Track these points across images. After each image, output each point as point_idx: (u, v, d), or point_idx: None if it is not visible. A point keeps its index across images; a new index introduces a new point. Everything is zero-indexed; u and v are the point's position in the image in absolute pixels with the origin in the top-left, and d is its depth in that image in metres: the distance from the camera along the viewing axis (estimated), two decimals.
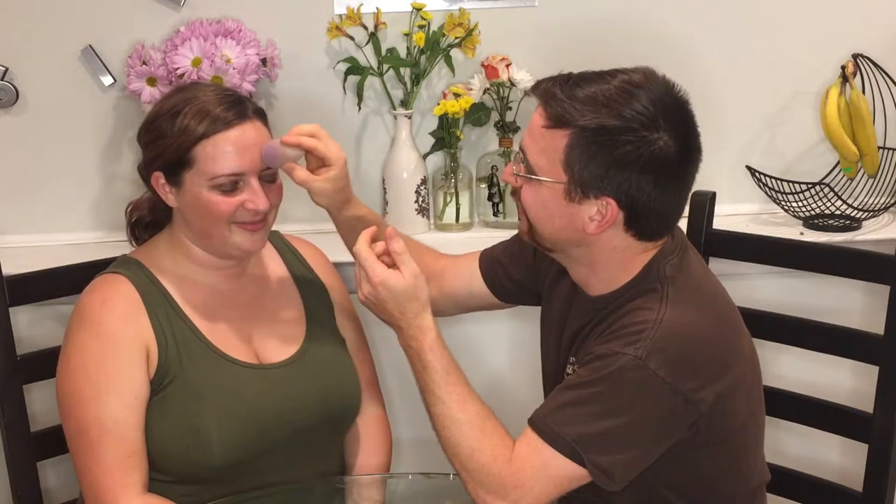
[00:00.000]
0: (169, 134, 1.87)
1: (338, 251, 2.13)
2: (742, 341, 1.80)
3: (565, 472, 1.67)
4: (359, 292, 1.78)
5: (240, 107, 1.90)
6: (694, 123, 1.73)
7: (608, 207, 1.68)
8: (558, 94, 1.69)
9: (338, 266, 2.16)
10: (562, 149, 1.68)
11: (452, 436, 1.71)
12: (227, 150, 1.86)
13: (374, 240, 1.79)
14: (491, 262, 2.05)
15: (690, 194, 1.78)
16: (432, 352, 1.74)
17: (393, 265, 1.76)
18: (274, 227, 1.99)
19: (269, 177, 1.91)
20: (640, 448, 1.68)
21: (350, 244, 1.98)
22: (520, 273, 2.02)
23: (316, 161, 1.92)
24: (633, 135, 1.65)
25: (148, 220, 2.02)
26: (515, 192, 1.79)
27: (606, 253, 1.75)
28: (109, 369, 1.85)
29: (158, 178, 1.91)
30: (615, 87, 1.67)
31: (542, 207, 1.73)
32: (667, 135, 1.66)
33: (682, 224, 2.15)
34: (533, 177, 1.72)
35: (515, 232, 1.98)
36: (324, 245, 2.17)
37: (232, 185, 1.87)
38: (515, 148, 2.30)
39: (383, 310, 1.77)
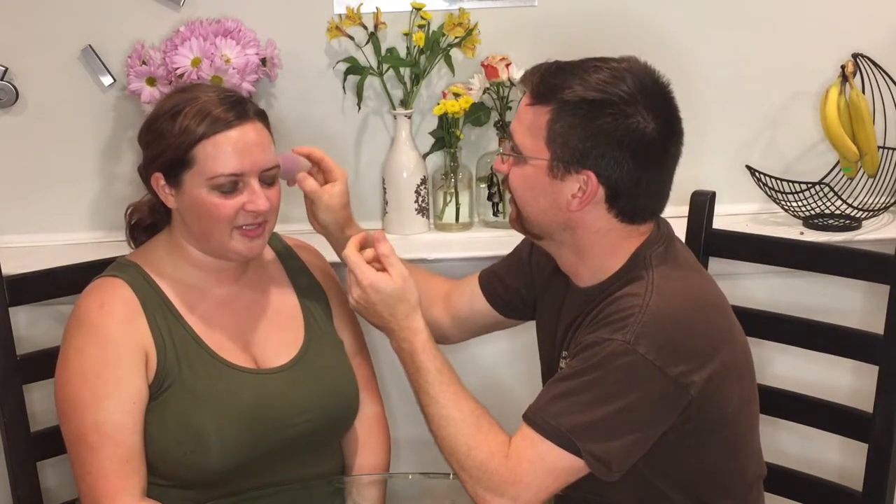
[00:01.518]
0: (169, 134, 1.87)
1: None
2: (731, 328, 1.81)
3: (562, 464, 1.68)
4: (349, 297, 1.81)
5: (241, 107, 1.89)
6: (675, 108, 1.76)
7: (588, 182, 1.71)
8: (543, 73, 1.74)
9: (336, 267, 2.16)
10: (544, 124, 1.72)
11: (448, 435, 1.72)
12: (228, 150, 1.86)
13: (362, 246, 1.82)
14: (489, 275, 2.08)
15: (683, 182, 1.79)
16: (424, 352, 1.76)
17: (383, 270, 1.79)
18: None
19: (268, 179, 1.91)
20: (635, 434, 1.69)
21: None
22: (515, 280, 2.03)
23: (318, 180, 2.00)
24: (612, 108, 1.69)
25: (148, 223, 2.01)
26: (505, 181, 1.82)
27: (591, 236, 1.76)
28: (108, 374, 1.84)
29: (158, 180, 1.90)
30: (599, 68, 1.72)
31: (528, 188, 1.76)
32: (646, 113, 1.70)
33: (682, 223, 2.16)
34: (518, 156, 1.76)
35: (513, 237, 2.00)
36: (322, 246, 2.16)
37: (232, 186, 1.87)
38: None
39: (374, 313, 1.79)
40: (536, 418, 1.69)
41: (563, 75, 1.72)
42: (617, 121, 1.69)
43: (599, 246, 1.77)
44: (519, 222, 1.82)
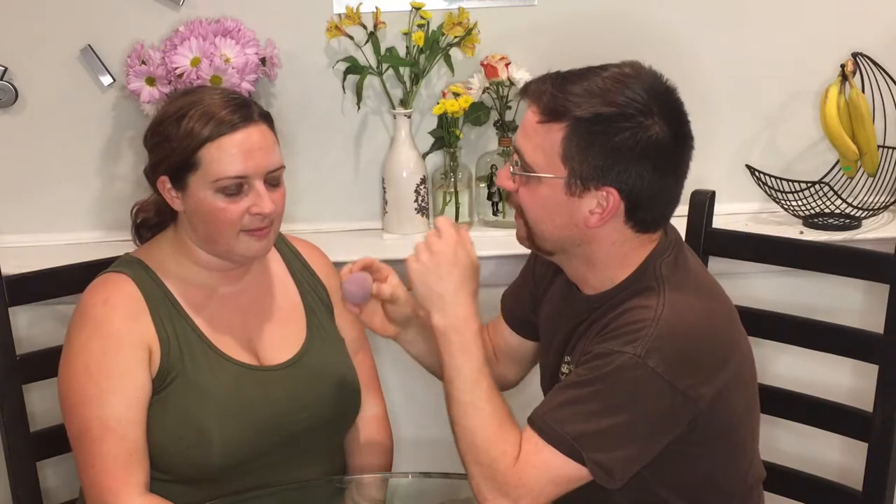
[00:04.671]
0: (174, 137, 1.87)
1: (338, 251, 2.13)
2: (739, 337, 1.80)
3: (565, 470, 1.67)
4: (421, 254, 1.74)
5: (245, 109, 1.89)
6: (684, 110, 1.73)
7: (609, 198, 1.68)
8: (550, 89, 1.69)
9: (338, 266, 2.16)
10: (558, 142, 1.67)
11: (472, 425, 1.69)
12: (232, 152, 1.86)
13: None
14: (505, 298, 2.07)
15: (685, 184, 1.77)
16: (476, 340, 1.72)
17: None
18: None
19: (273, 180, 1.91)
20: (640, 445, 1.68)
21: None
22: (524, 292, 2.02)
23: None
24: (629, 121, 1.65)
25: (154, 222, 2.02)
26: (511, 197, 1.77)
27: (606, 248, 1.74)
28: (112, 368, 1.85)
29: (164, 183, 1.91)
30: (606, 79, 1.68)
31: (543, 207, 1.73)
32: (661, 120, 1.67)
33: (682, 223, 2.16)
34: (531, 174, 1.71)
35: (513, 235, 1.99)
36: (324, 245, 2.17)
37: (237, 189, 1.87)
38: None
39: (446, 274, 1.72)
40: (542, 423, 1.68)
41: (572, 88, 1.67)
42: (636, 135, 1.65)
43: (612, 257, 1.75)
44: (530, 239, 1.78)
